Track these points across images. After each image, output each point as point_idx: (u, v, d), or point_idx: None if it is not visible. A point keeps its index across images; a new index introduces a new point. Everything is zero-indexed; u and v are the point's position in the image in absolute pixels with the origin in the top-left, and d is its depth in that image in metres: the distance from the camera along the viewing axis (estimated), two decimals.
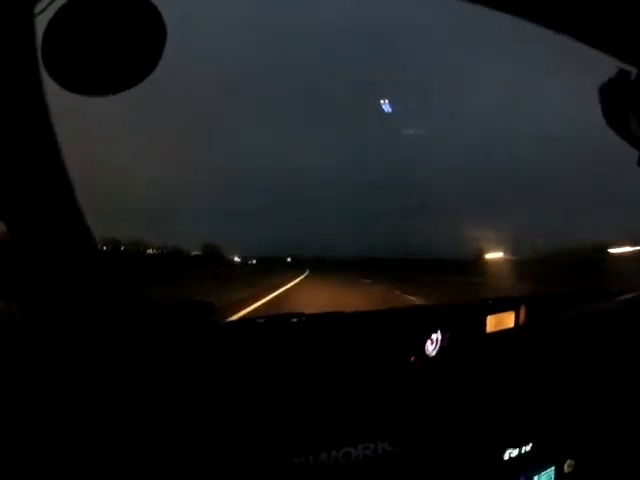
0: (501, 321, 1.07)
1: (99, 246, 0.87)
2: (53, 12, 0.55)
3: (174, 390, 0.73)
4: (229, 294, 7.78)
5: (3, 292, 0.66)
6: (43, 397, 0.64)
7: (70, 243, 0.69)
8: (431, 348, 0.96)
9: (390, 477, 0.80)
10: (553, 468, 0.94)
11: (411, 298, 8.21)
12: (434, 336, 0.97)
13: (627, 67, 0.72)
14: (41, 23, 0.56)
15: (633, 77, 0.71)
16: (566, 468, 0.96)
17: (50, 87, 0.61)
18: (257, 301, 7.37)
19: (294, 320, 0.93)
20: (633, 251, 11.05)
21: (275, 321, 0.94)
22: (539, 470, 0.93)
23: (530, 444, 0.91)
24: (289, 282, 13.82)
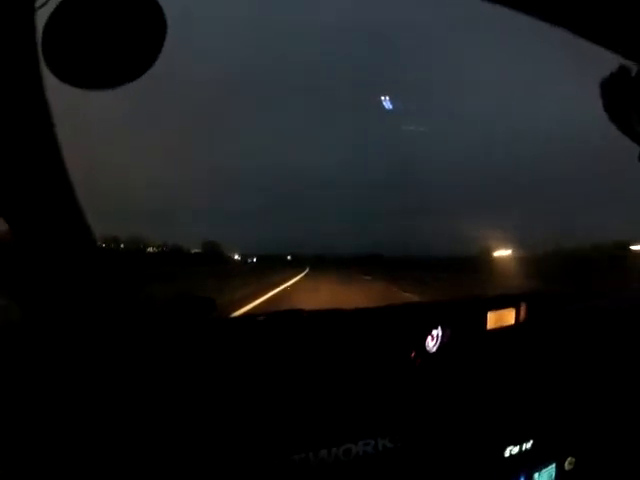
0: (502, 318, 1.08)
1: (99, 244, 0.86)
2: (54, 5, 0.55)
3: (174, 386, 0.73)
4: (231, 292, 7.78)
5: (3, 292, 0.66)
6: (43, 396, 0.64)
7: (70, 242, 0.68)
8: (432, 344, 0.96)
9: (391, 474, 0.80)
10: (554, 465, 0.95)
11: (406, 294, 8.23)
12: (435, 332, 0.97)
13: (628, 63, 0.72)
14: (41, 17, 0.56)
15: (634, 73, 0.71)
16: (567, 465, 0.96)
17: (50, 85, 0.61)
18: (257, 299, 7.37)
19: (294, 317, 0.93)
20: None
21: (275, 317, 0.94)
22: (540, 467, 0.93)
23: (531, 441, 0.91)
24: (289, 279, 13.84)
